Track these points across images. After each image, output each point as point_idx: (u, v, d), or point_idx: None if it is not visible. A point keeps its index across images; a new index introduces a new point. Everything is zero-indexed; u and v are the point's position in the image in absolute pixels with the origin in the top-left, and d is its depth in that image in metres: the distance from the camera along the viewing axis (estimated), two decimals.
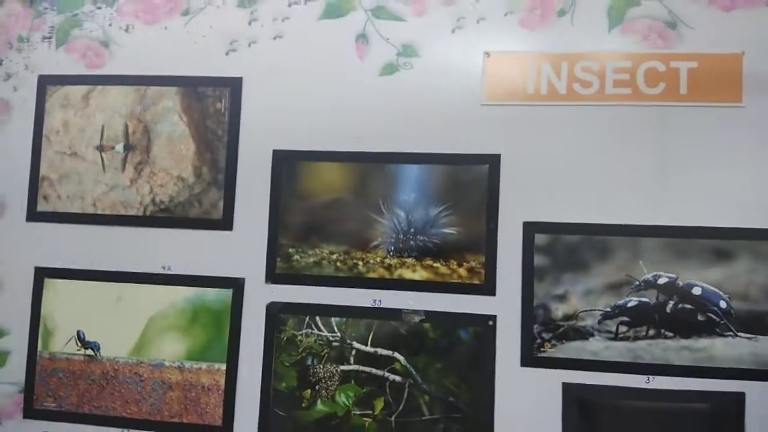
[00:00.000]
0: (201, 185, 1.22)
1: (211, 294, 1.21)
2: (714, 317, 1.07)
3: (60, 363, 1.24)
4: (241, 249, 1.21)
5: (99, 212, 1.25)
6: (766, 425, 1.06)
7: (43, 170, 1.28)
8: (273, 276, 1.20)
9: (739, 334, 1.07)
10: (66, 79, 1.28)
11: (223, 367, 1.19)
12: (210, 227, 1.21)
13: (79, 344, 1.23)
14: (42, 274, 1.26)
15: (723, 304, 1.07)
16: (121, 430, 1.21)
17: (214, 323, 1.20)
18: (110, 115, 1.26)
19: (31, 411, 1.24)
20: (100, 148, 1.26)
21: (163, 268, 1.22)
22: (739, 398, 1.06)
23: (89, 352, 1.23)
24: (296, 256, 1.20)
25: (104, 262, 1.24)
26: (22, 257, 1.27)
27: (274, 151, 1.21)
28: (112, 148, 1.25)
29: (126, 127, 1.24)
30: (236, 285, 1.20)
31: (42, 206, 1.27)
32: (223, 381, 1.19)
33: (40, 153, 1.28)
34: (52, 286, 1.25)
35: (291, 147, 1.21)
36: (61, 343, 1.24)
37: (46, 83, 1.29)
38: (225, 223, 1.21)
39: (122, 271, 1.23)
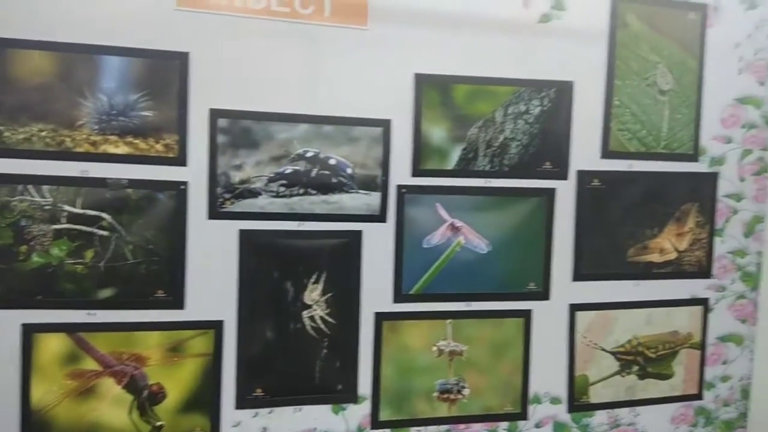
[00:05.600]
0: None
1: None
2: (343, 179, 1.53)
3: None
4: None
5: None
6: (373, 251, 1.56)
7: None
8: None
9: (359, 191, 1.54)
10: None
11: None
12: None
13: None
14: None
15: (349, 170, 1.53)
16: None
17: None
18: None
19: None
20: None
21: None
22: (359, 234, 1.55)
23: None
24: (7, 133, 1.35)
25: None
26: None
27: None
28: None
29: None
30: None
31: None
32: None
33: None
34: None
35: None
36: None
37: None
38: None
39: None
